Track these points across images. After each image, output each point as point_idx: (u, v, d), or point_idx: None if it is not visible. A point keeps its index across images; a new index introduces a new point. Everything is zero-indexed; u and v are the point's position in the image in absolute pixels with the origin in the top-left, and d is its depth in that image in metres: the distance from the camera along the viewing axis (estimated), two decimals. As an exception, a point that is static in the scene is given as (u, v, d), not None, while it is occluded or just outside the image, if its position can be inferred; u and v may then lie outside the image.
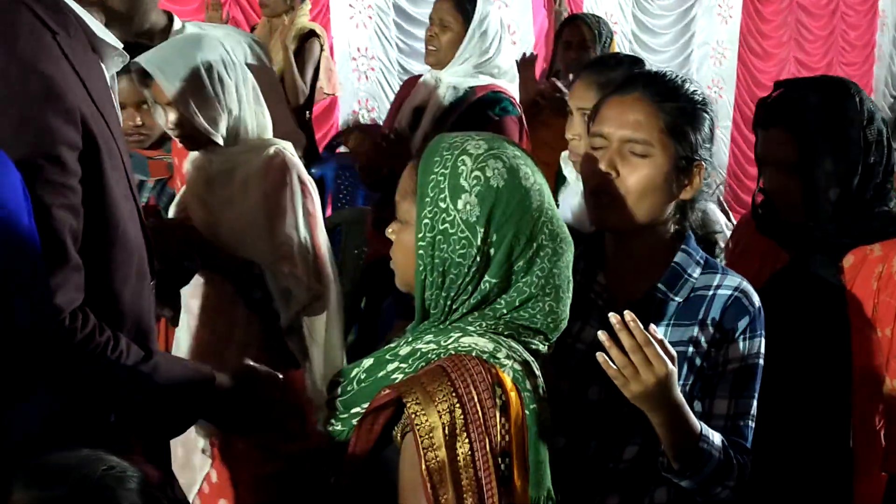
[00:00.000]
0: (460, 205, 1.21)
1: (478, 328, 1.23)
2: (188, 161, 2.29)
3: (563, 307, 1.28)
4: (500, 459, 1.14)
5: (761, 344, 1.54)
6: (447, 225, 1.21)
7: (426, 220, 1.22)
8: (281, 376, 1.65)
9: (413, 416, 1.14)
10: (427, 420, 1.13)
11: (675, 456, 1.40)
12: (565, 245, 1.29)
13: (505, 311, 1.25)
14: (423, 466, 1.12)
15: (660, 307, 1.44)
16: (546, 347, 1.30)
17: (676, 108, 1.49)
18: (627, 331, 1.29)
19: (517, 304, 1.25)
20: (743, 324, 1.51)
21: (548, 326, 1.27)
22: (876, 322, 1.87)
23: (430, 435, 1.13)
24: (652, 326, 1.33)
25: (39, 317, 1.31)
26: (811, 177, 1.86)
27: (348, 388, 1.25)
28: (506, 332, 1.24)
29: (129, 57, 1.62)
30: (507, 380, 1.18)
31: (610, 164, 1.48)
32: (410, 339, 1.24)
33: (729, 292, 1.52)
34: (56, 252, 1.35)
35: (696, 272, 1.53)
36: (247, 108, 2.18)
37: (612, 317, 1.29)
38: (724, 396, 1.51)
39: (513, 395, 1.17)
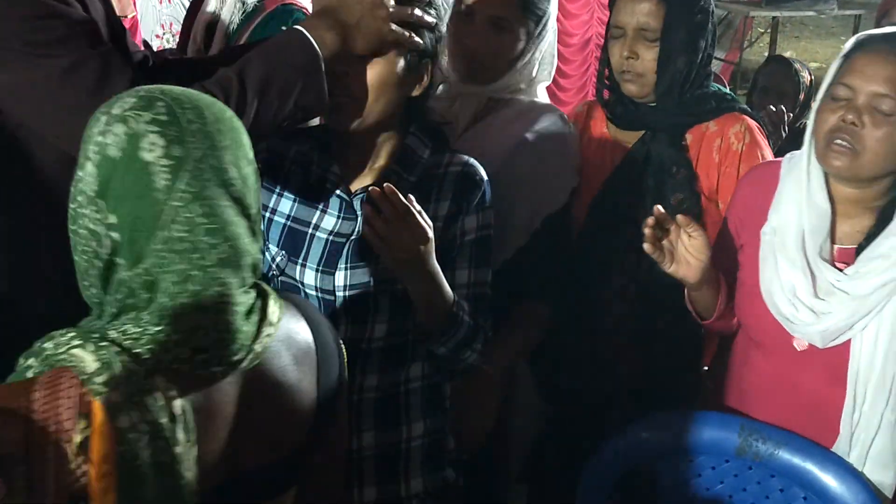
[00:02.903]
0: (82, 173, 1.04)
1: (118, 335, 1.02)
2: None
3: (222, 321, 1.06)
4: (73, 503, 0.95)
5: (492, 215, 1.65)
6: (81, 196, 1.04)
7: (73, 190, 1.05)
8: None
9: None
10: None
11: (433, 322, 1.52)
12: (219, 238, 1.05)
13: (156, 322, 1.03)
14: None
15: (396, 188, 1.46)
16: (210, 370, 1.07)
17: None
18: (390, 201, 1.37)
19: (168, 313, 1.03)
20: (475, 197, 1.61)
21: (206, 343, 1.05)
22: (718, 193, 2.01)
23: None
24: (410, 196, 1.40)
25: None
26: (669, 44, 1.95)
27: (16, 368, 1.05)
28: (148, 346, 1.02)
29: None
30: (98, 410, 0.96)
31: (347, 65, 1.51)
32: (62, 332, 1.04)
33: (459, 168, 1.63)
34: None
35: (426, 153, 1.63)
36: None
37: (373, 190, 1.38)
38: (465, 267, 1.61)
39: (102, 430, 0.96)
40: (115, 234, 1.02)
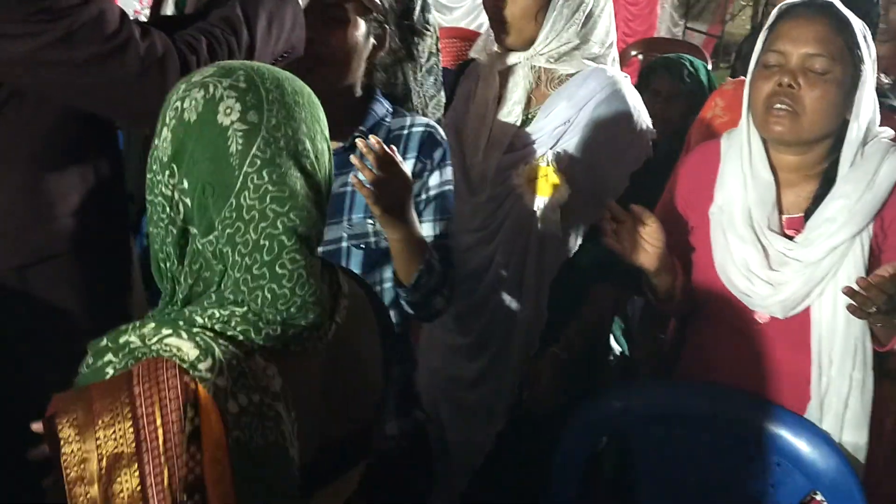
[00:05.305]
0: (157, 141, 1.05)
1: (205, 321, 1.01)
2: None
3: (299, 287, 1.03)
4: (186, 495, 0.93)
5: (452, 171, 1.74)
6: (156, 164, 1.05)
7: (149, 159, 1.06)
8: None
9: (63, 442, 0.93)
10: (79, 448, 0.93)
11: (409, 270, 1.58)
12: (286, 207, 1.02)
13: (238, 299, 1.02)
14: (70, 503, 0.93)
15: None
16: (301, 344, 1.06)
17: None
18: (375, 151, 1.45)
19: (243, 287, 1.02)
20: (438, 155, 1.70)
21: (291, 315, 1.03)
22: None
23: (82, 466, 0.93)
24: (392, 146, 1.48)
25: None
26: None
27: (82, 370, 1.04)
28: (240, 328, 1.01)
29: None
30: (206, 398, 0.95)
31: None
32: (137, 324, 1.03)
33: (421, 129, 1.71)
34: None
35: (389, 118, 1.73)
36: None
37: (360, 142, 1.46)
38: (430, 220, 1.69)
39: (212, 417, 0.95)
40: (186, 200, 1.02)
